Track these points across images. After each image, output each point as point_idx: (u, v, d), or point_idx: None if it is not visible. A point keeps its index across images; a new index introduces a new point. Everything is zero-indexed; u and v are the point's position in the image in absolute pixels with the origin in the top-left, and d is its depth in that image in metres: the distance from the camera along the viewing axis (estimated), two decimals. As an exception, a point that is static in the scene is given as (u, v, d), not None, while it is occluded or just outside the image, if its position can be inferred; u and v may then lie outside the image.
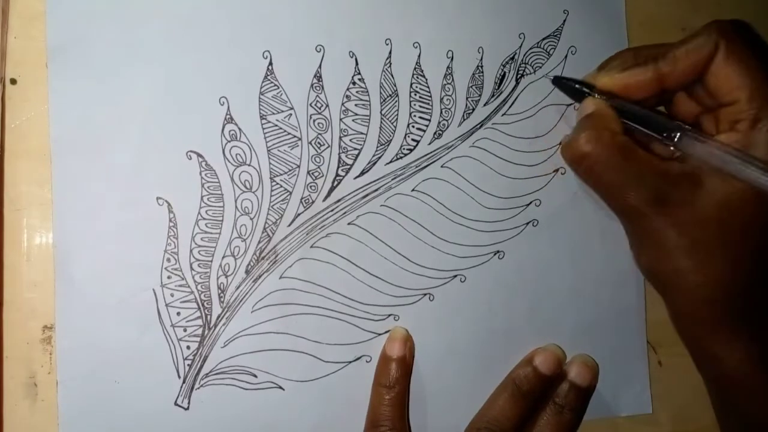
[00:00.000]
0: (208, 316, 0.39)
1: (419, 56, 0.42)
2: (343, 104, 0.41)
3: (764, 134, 0.35)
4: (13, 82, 0.38)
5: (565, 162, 0.39)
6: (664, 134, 0.37)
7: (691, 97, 0.39)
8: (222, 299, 0.40)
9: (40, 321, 0.38)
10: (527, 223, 0.43)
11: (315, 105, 0.41)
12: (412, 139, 0.42)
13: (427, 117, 0.42)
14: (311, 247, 0.41)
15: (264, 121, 0.40)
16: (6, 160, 0.38)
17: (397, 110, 0.42)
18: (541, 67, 0.44)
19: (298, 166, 0.41)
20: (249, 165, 0.40)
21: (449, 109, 0.42)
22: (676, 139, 0.37)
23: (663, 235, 0.36)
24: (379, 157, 0.42)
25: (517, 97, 0.43)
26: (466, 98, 0.43)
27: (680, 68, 0.37)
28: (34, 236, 0.38)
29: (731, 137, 0.36)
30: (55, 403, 0.37)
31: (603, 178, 0.37)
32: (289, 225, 0.40)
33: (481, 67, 0.43)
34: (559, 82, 0.42)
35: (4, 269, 0.38)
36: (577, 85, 0.40)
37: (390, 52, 0.42)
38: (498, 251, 0.43)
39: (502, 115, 0.43)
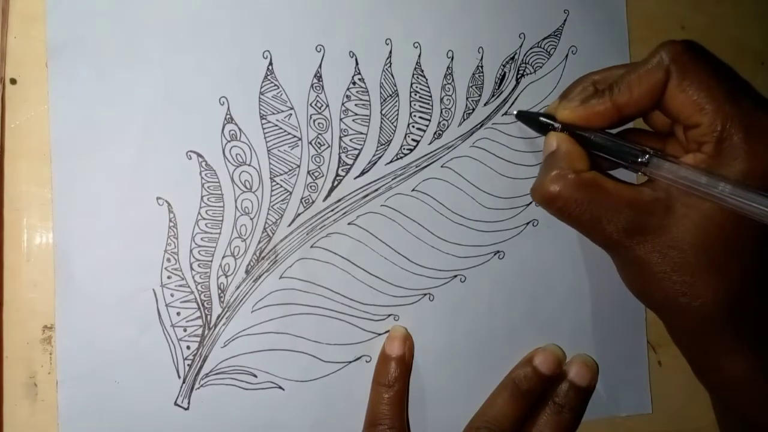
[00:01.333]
0: (208, 316, 0.39)
1: (419, 56, 0.42)
2: (343, 104, 0.41)
3: (731, 154, 0.34)
4: (13, 82, 0.38)
5: (536, 204, 0.39)
6: (631, 161, 0.37)
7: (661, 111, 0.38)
8: (222, 299, 0.40)
9: (40, 321, 0.38)
10: (527, 223, 0.43)
11: (315, 105, 0.41)
12: (413, 139, 0.42)
13: (428, 117, 0.42)
14: (311, 247, 0.41)
15: (264, 121, 0.40)
16: (6, 160, 0.38)
17: (398, 110, 0.42)
18: (541, 67, 0.43)
19: (298, 166, 0.40)
20: (249, 165, 0.40)
21: (449, 109, 0.42)
22: (642, 166, 0.36)
23: (645, 262, 0.36)
24: (380, 157, 0.42)
25: (517, 97, 0.43)
26: (467, 98, 0.43)
27: (635, 96, 0.36)
28: (34, 236, 0.38)
29: (698, 158, 0.35)
30: (55, 403, 0.38)
31: (576, 217, 0.36)
32: (289, 225, 0.40)
33: (482, 67, 0.43)
34: (523, 116, 0.42)
35: (4, 269, 0.38)
36: (541, 118, 0.39)
37: (390, 52, 0.41)
38: (498, 251, 0.43)
39: (503, 115, 0.43)
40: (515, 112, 0.43)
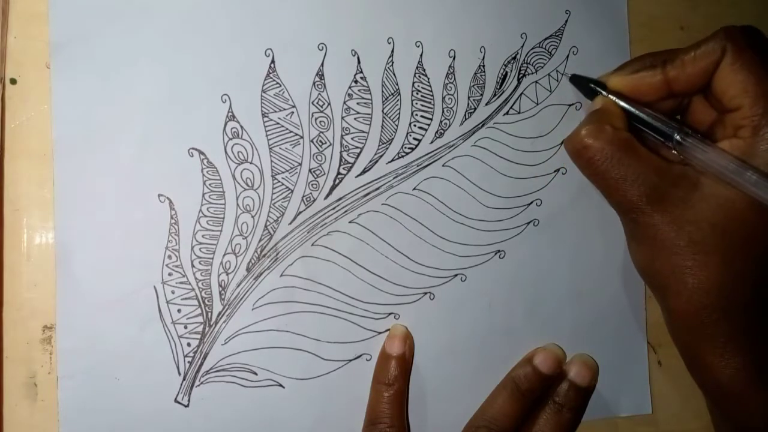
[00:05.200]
0: (209, 314, 0.39)
1: (421, 55, 0.42)
2: (344, 102, 0.41)
3: (765, 143, 0.35)
4: (13, 82, 0.38)
5: (567, 154, 0.39)
6: (666, 138, 0.37)
7: (706, 101, 0.39)
8: (223, 296, 0.40)
9: (40, 321, 0.38)
10: (528, 223, 0.44)
11: (317, 103, 0.41)
12: (414, 138, 0.42)
13: (429, 116, 0.42)
14: (312, 245, 0.41)
15: (266, 119, 0.40)
16: (6, 160, 0.38)
17: (399, 109, 0.42)
18: (542, 67, 0.44)
19: (300, 164, 0.40)
20: (250, 163, 0.40)
21: (451, 108, 0.42)
22: (680, 144, 0.37)
23: (660, 232, 0.36)
24: (381, 156, 0.42)
25: (519, 97, 0.43)
26: (468, 97, 0.43)
27: (688, 72, 0.37)
28: (34, 236, 0.38)
29: (733, 143, 0.36)
30: (55, 403, 0.37)
31: (601, 172, 0.37)
32: (291, 223, 0.40)
33: (483, 66, 0.43)
34: (576, 79, 0.43)
35: (4, 269, 0.38)
36: (591, 84, 0.41)
37: (392, 51, 0.42)
38: (499, 251, 0.43)
39: (504, 114, 0.43)
40: (569, 75, 0.43)
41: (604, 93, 0.40)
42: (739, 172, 0.34)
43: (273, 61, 0.40)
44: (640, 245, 0.38)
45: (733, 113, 0.36)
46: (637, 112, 0.38)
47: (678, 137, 0.37)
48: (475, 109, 0.43)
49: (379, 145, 0.42)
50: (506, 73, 0.43)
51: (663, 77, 0.37)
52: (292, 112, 0.40)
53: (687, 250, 0.36)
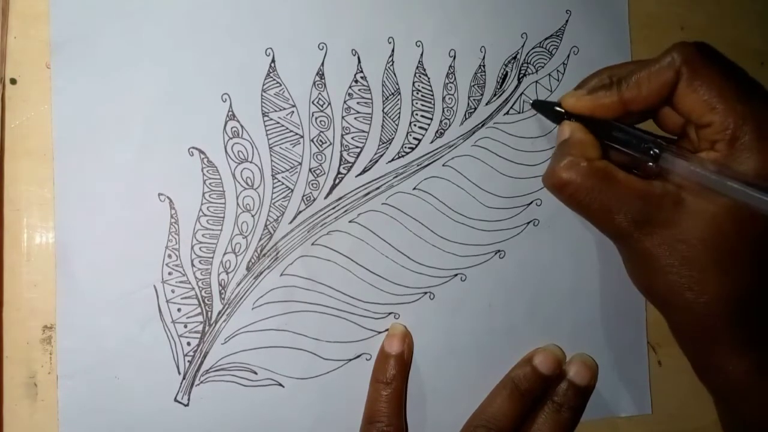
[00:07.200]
0: (209, 313, 0.39)
1: (422, 55, 0.42)
2: (345, 102, 0.41)
3: (744, 152, 0.34)
4: (13, 82, 0.38)
5: (547, 190, 0.39)
6: (644, 153, 0.37)
7: (673, 109, 0.38)
8: (223, 296, 0.40)
9: (40, 321, 0.38)
10: (528, 223, 0.44)
11: (317, 102, 0.41)
12: (414, 138, 0.42)
13: (429, 116, 0.42)
14: (312, 244, 0.41)
15: (266, 119, 0.40)
16: (6, 160, 0.38)
17: (399, 108, 0.42)
18: (543, 67, 0.44)
19: (300, 164, 0.40)
20: (251, 162, 0.40)
21: (451, 107, 0.42)
22: (656, 158, 0.37)
23: (652, 255, 0.36)
24: (381, 156, 0.42)
25: (519, 97, 0.43)
26: (468, 97, 0.43)
27: (644, 93, 0.36)
28: (34, 236, 0.38)
29: (711, 156, 0.35)
30: (55, 402, 0.37)
31: (585, 205, 0.36)
32: (291, 222, 0.40)
33: (484, 66, 0.43)
34: (538, 105, 0.42)
35: (4, 269, 0.37)
36: (556, 108, 0.40)
37: (392, 51, 0.41)
38: (499, 250, 0.43)
39: (504, 114, 0.43)
40: (531, 101, 0.43)
41: (569, 118, 0.39)
42: (727, 179, 0.34)
43: (273, 61, 0.40)
44: (635, 268, 0.38)
45: (705, 129, 0.36)
46: (613, 130, 0.38)
47: (656, 152, 0.36)
48: (475, 108, 0.43)
49: (379, 145, 0.42)
50: (506, 72, 0.43)
51: (618, 98, 0.37)
52: (293, 112, 0.40)
53: (681, 268, 0.36)
